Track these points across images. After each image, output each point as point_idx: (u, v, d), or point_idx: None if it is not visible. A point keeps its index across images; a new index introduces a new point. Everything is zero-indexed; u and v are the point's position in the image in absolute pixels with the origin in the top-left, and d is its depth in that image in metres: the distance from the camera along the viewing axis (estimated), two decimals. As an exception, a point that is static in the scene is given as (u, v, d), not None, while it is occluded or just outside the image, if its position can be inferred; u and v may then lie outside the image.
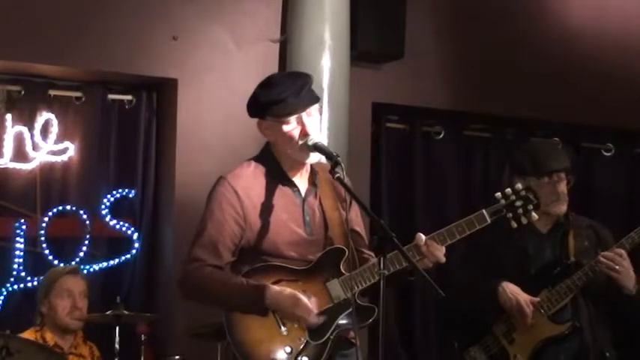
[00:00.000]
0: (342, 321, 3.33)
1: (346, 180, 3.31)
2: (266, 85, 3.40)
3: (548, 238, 4.26)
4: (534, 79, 6.65)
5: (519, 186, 3.50)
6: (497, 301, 4.12)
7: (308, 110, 3.36)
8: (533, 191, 3.52)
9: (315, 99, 3.39)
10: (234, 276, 3.36)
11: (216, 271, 3.34)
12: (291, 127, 3.34)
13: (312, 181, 3.47)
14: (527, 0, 6.80)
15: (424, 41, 6.39)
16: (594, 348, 4.14)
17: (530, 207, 3.48)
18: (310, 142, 3.34)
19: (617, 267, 4.04)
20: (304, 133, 3.34)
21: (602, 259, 4.06)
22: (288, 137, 3.35)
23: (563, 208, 4.24)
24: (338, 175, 3.22)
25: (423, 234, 3.36)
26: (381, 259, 3.08)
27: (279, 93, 3.33)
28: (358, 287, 3.33)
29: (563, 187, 4.22)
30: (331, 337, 3.30)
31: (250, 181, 3.41)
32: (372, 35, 5.99)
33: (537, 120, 6.85)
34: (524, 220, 3.49)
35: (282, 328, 3.29)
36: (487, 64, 6.57)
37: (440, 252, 3.35)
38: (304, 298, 3.25)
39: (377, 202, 6.38)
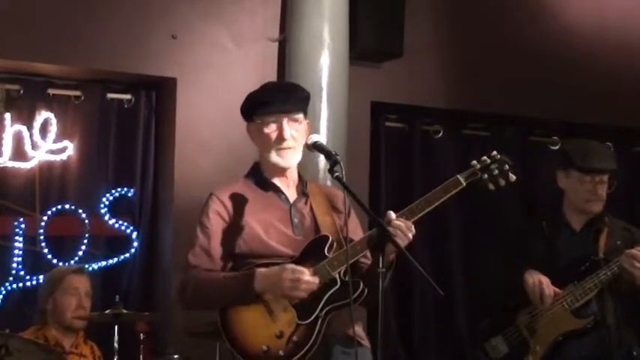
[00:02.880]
0: (331, 301, 3.32)
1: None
2: (259, 88, 3.54)
3: (580, 236, 4.31)
4: (533, 78, 6.65)
5: (494, 152, 3.48)
6: (523, 288, 4.17)
7: (293, 117, 3.43)
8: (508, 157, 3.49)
9: (300, 108, 3.46)
10: (222, 272, 3.41)
11: (209, 272, 3.40)
12: (270, 129, 3.43)
13: (301, 190, 3.53)
14: (527, -1, 6.82)
15: (423, 40, 6.40)
16: (620, 346, 4.17)
17: (506, 167, 3.44)
18: (310, 142, 3.38)
19: (637, 264, 4.04)
20: (280, 138, 3.42)
21: (624, 255, 4.09)
22: (267, 139, 3.44)
23: (598, 208, 4.29)
24: (337, 174, 3.23)
25: (414, 227, 3.37)
26: (380, 257, 3.09)
27: (266, 95, 3.47)
28: (342, 265, 3.33)
29: (603, 189, 4.29)
30: (321, 314, 3.31)
31: (237, 191, 3.49)
32: (371, 34, 5.99)
33: (536, 119, 6.86)
34: (501, 182, 3.45)
35: (272, 313, 3.32)
36: (486, 63, 6.58)
37: (407, 228, 3.31)
38: (289, 265, 3.26)
39: (376, 200, 6.38)
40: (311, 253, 3.38)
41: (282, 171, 3.50)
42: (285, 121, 3.43)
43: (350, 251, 3.31)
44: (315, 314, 3.30)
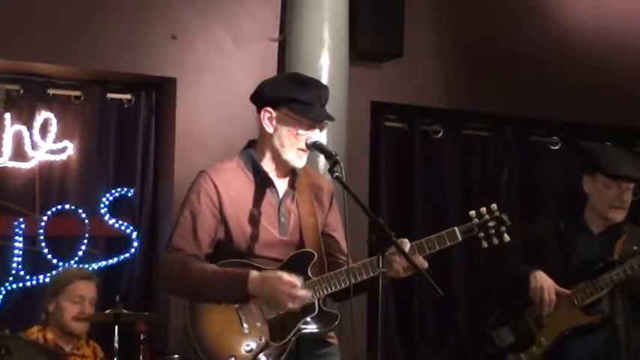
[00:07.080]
0: (304, 325, 3.33)
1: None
2: (300, 82, 3.41)
3: (599, 239, 4.34)
4: (533, 78, 6.65)
5: (494, 206, 3.47)
6: (526, 286, 4.21)
7: (323, 126, 3.44)
8: (508, 214, 3.49)
9: (331, 117, 3.45)
10: (214, 266, 3.35)
11: (196, 260, 3.34)
12: (302, 130, 3.37)
13: (292, 183, 3.49)
14: (527, -1, 6.82)
15: (423, 40, 6.40)
16: (628, 348, 4.19)
17: (503, 228, 3.45)
18: (309, 141, 3.36)
19: None
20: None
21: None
22: (292, 136, 3.37)
23: (620, 216, 4.32)
24: (337, 174, 3.22)
25: (415, 237, 3.39)
26: (380, 257, 3.09)
27: (313, 97, 3.37)
28: (324, 292, 3.34)
29: (628, 196, 4.30)
30: (292, 339, 3.31)
31: (230, 176, 3.43)
32: (371, 34, 5.99)
33: (536, 119, 6.86)
34: (495, 241, 3.46)
35: (244, 325, 3.30)
36: (486, 63, 6.57)
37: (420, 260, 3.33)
38: (286, 275, 3.24)
39: (376, 201, 6.39)
40: (293, 265, 3.35)
41: (286, 165, 3.44)
42: (318, 129, 3.40)
43: (333, 280, 3.33)
44: (288, 338, 3.30)
